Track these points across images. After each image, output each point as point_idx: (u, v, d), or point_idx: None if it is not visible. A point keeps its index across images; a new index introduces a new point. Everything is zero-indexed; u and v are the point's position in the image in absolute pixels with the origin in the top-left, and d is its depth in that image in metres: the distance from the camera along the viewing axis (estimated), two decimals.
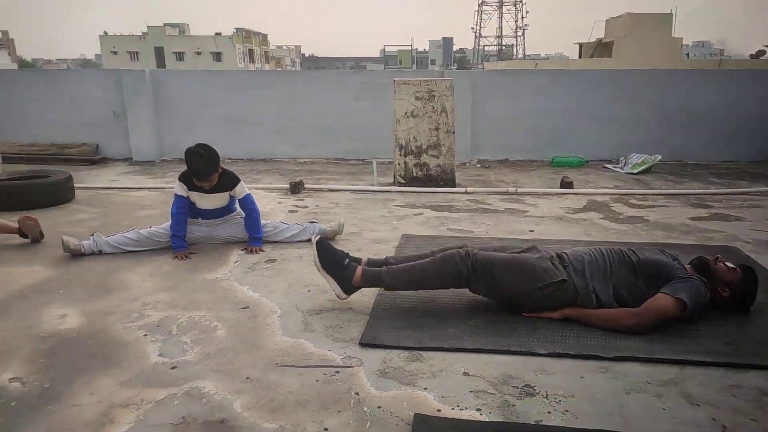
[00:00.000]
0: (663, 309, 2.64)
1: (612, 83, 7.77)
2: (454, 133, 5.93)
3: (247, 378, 2.32)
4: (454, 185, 5.95)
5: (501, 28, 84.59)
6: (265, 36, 77.45)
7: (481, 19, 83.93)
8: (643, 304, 2.68)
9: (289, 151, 7.90)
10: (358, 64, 79.07)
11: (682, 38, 34.45)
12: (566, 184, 5.92)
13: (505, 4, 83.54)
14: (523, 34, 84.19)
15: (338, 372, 2.37)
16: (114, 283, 3.32)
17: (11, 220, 4.35)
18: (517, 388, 2.26)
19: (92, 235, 3.82)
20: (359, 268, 2.89)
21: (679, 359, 2.44)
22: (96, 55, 79.72)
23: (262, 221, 4.06)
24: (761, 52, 35.53)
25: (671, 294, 2.64)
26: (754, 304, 2.88)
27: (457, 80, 6.21)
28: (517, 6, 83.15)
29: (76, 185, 5.41)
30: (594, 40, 37.01)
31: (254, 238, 3.94)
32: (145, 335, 2.68)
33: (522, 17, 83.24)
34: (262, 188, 5.87)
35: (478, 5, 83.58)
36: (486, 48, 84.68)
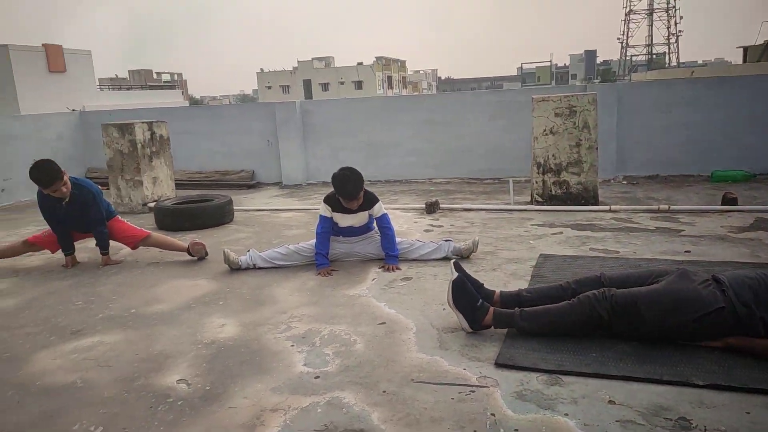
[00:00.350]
0: None
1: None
2: (597, 148, 5.64)
3: (384, 391, 2.38)
4: (596, 203, 5.64)
5: (651, 36, 78.99)
6: (403, 62, 79.95)
7: (628, 28, 79.12)
8: None
9: (424, 173, 8.04)
10: (494, 83, 78.44)
11: None
12: (729, 200, 5.32)
13: (656, 11, 78.01)
14: (676, 41, 77.73)
15: (473, 391, 2.34)
16: (265, 296, 3.60)
17: (181, 238, 4.93)
18: (671, 420, 2.07)
19: (248, 251, 4.20)
20: (491, 310, 2.83)
21: None
22: (253, 90, 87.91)
23: (398, 239, 4.18)
24: None
25: None
26: None
27: (601, 94, 5.93)
28: (670, 12, 77.22)
29: (235, 208, 5.98)
30: (762, 42, 33.12)
31: (390, 255, 4.06)
32: (292, 345, 2.87)
33: (675, 23, 77.08)
34: (398, 208, 6.03)
35: (625, 14, 78.93)
36: (634, 58, 79.50)
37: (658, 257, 3.94)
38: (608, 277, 2.86)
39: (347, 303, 3.42)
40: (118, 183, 6.70)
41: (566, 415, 2.14)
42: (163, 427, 2.21)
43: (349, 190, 3.92)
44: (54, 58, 19.61)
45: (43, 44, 19.53)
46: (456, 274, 2.92)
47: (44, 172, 4.11)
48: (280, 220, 5.89)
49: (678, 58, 76.63)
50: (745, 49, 35.24)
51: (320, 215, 4.12)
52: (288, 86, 67.17)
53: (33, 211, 7.12)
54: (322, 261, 4.02)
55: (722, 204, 5.33)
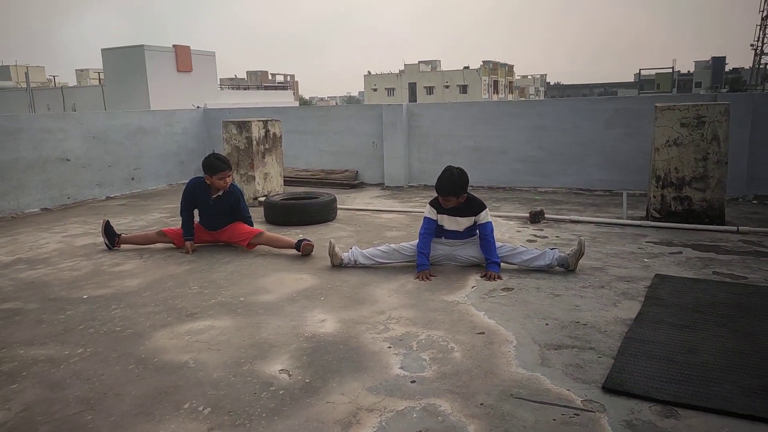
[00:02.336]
0: None
1: None
2: (726, 164, 5.16)
3: (482, 404, 2.32)
4: (722, 223, 5.16)
5: None
6: (511, 67, 78.31)
7: (764, 34, 72.04)
8: None
9: (530, 180, 7.79)
10: (608, 90, 74.63)
11: None
12: None
13: None
14: None
15: (578, 414, 2.22)
16: (364, 295, 3.65)
17: (286, 233, 5.13)
18: None
19: (351, 248, 4.29)
20: None
21: None
22: (359, 92, 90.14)
23: (500, 243, 4.13)
24: None
25: None
26: None
27: (733, 104, 5.42)
28: None
29: (338, 206, 6.13)
30: None
31: (492, 262, 3.97)
32: (389, 347, 2.87)
33: None
34: (501, 216, 5.88)
35: (762, 18, 71.98)
36: None
37: None
38: None
39: (445, 309, 3.38)
40: (234, 177, 7.09)
41: None
42: (265, 413, 2.30)
43: (447, 187, 3.95)
44: (182, 58, 21.24)
45: (173, 45, 21.22)
46: None
47: (222, 159, 4.77)
48: (381, 220, 5.96)
49: None
50: None
51: (425, 216, 4.13)
52: (393, 89, 68.11)
53: (159, 199, 7.76)
54: (422, 261, 4.02)
55: None
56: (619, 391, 2.36)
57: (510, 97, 69.18)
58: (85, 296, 3.78)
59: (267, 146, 7.16)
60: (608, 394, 2.36)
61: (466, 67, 67.23)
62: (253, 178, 6.97)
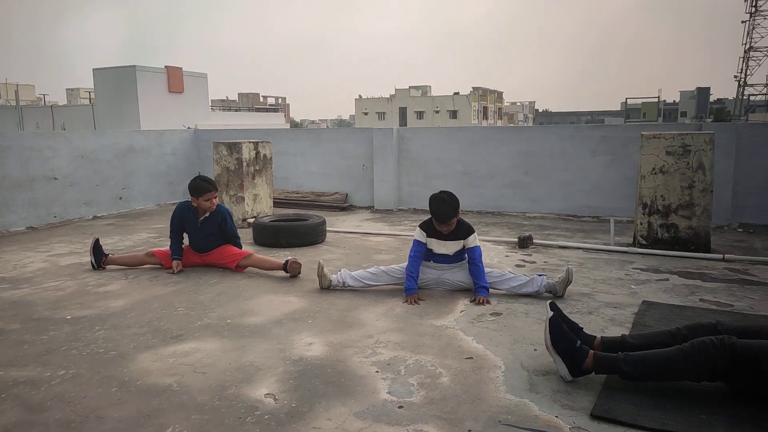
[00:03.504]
0: None
1: None
2: (711, 192, 5.24)
3: (470, 430, 2.30)
4: (708, 251, 5.22)
5: None
6: (500, 93, 79.39)
7: (747, 66, 73.85)
8: None
9: (518, 206, 7.85)
10: (595, 118, 75.77)
11: None
12: None
13: None
14: None
15: None
16: (352, 319, 3.63)
17: (275, 255, 5.11)
18: None
19: (339, 270, 4.27)
20: (592, 353, 2.67)
21: None
22: (350, 115, 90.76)
23: (489, 269, 4.13)
24: None
25: None
26: None
27: (718, 133, 5.53)
28: None
29: (327, 228, 6.12)
30: None
31: (480, 287, 3.97)
32: (377, 372, 2.85)
33: None
34: (490, 241, 5.90)
35: (745, 51, 73.87)
36: (751, 97, 73.91)
37: None
38: (726, 326, 2.61)
39: (434, 333, 3.36)
40: (223, 198, 7.08)
41: None
42: None
43: (443, 212, 3.97)
44: (174, 79, 21.31)
45: (165, 66, 21.30)
46: (551, 313, 2.78)
47: (208, 180, 4.80)
48: (370, 243, 5.95)
49: None
50: None
51: (414, 239, 4.14)
52: (384, 113, 68.67)
53: (147, 219, 7.70)
54: (411, 285, 4.01)
55: None
56: (607, 418, 2.35)
57: (499, 123, 70.01)
58: (68, 317, 3.72)
59: (257, 167, 7.16)
60: (596, 421, 2.35)
61: (456, 93, 68.05)
62: (243, 199, 6.96)
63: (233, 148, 6.97)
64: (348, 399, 2.56)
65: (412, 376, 2.80)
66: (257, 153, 7.16)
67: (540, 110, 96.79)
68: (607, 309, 3.76)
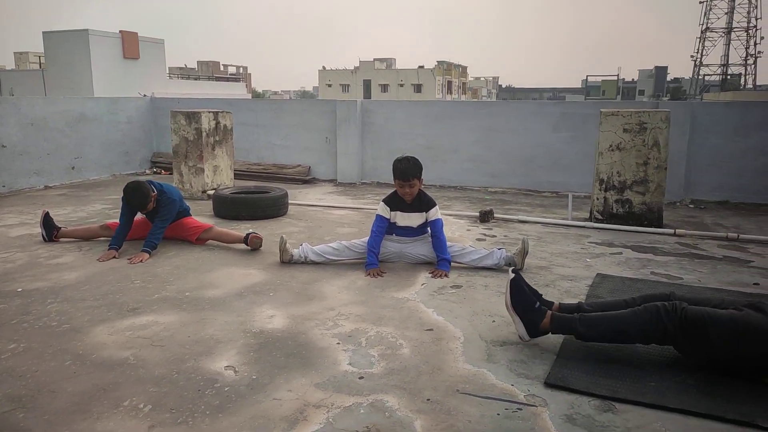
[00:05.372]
0: None
1: None
2: (665, 169, 5.40)
3: (428, 399, 2.34)
4: (660, 226, 5.40)
5: (728, 56, 75.38)
6: (465, 68, 79.40)
7: (704, 47, 75.80)
8: None
9: (480, 180, 7.92)
10: (557, 95, 76.76)
11: None
12: None
13: (735, 30, 74.42)
14: (754, 63, 73.92)
15: (520, 409, 2.27)
16: (314, 291, 3.62)
17: (235, 228, 5.03)
18: None
19: (301, 245, 4.25)
20: (549, 313, 2.76)
21: None
22: (314, 87, 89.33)
23: (450, 243, 4.17)
24: None
25: None
26: None
27: (673, 112, 5.67)
28: (750, 32, 73.55)
29: (289, 201, 6.06)
30: None
31: (442, 259, 4.02)
32: (338, 343, 2.86)
33: (755, 44, 73.34)
34: (451, 215, 5.96)
35: (701, 32, 75.69)
36: (706, 77, 76.13)
37: (725, 287, 3.73)
38: (678, 295, 2.72)
39: (395, 306, 3.39)
40: (181, 169, 6.91)
41: None
42: (209, 411, 2.24)
43: (406, 168, 4.01)
44: (129, 44, 20.46)
45: (120, 31, 20.43)
46: (513, 275, 2.85)
47: (137, 201, 4.36)
48: (333, 216, 5.93)
49: (755, 80, 72.91)
50: None
51: (377, 214, 4.14)
52: (348, 85, 67.87)
53: (101, 189, 7.47)
54: (372, 260, 4.02)
55: None
56: (560, 386, 2.43)
57: (463, 98, 70.16)
58: (19, 289, 3.60)
59: (217, 138, 7.00)
60: (550, 389, 2.43)
61: (421, 67, 67.70)
62: (202, 170, 6.80)
63: (192, 117, 6.78)
64: (309, 370, 2.57)
65: (372, 347, 2.82)
66: (217, 123, 6.99)
67: (503, 86, 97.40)
68: (563, 281, 3.86)
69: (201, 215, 5.55)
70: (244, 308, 3.32)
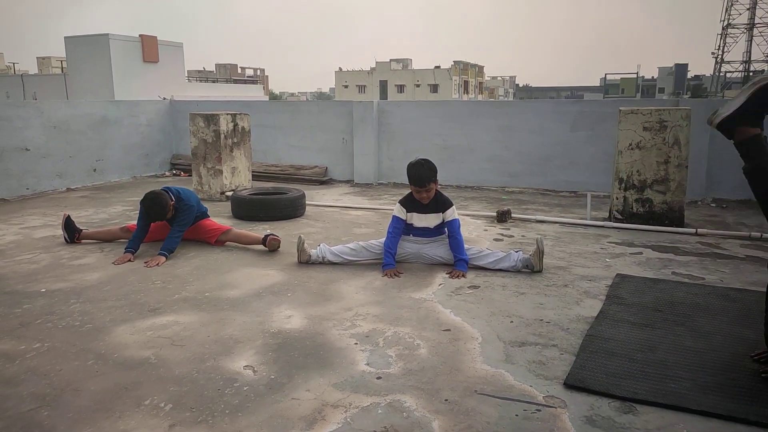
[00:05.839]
0: None
1: None
2: (686, 167, 5.32)
3: (446, 400, 2.34)
4: (681, 225, 5.32)
5: (749, 52, 73.90)
6: (481, 68, 79.03)
7: (725, 43, 74.51)
8: None
9: (498, 180, 7.88)
10: (575, 93, 76.08)
11: None
12: None
13: (758, 25, 73.02)
14: None
15: (539, 410, 2.26)
16: (331, 292, 3.64)
17: (253, 229, 5.08)
18: None
19: (319, 245, 4.27)
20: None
21: None
22: (330, 88, 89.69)
23: (467, 246, 4.15)
24: None
25: None
26: None
27: (694, 109, 5.59)
28: None
29: (307, 202, 6.09)
30: None
31: (460, 260, 4.01)
32: (356, 343, 2.87)
33: None
34: (468, 215, 5.94)
35: (723, 28, 74.40)
36: (728, 74, 74.81)
37: (748, 287, 3.66)
38: None
39: (412, 306, 3.39)
40: (200, 171, 6.98)
41: None
42: (228, 410, 2.27)
43: (421, 174, 4.01)
44: (149, 48, 20.72)
45: (140, 35, 20.70)
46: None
47: (155, 212, 4.38)
48: (349, 217, 5.94)
49: None
50: None
51: (393, 215, 4.15)
52: (364, 86, 68.00)
53: (122, 191, 7.58)
54: (389, 260, 4.03)
55: None
56: (579, 387, 2.41)
57: (480, 98, 69.88)
58: (43, 290, 3.67)
59: (235, 140, 7.06)
60: (569, 390, 2.41)
61: (437, 67, 67.55)
62: (221, 172, 6.87)
63: (210, 119, 6.85)
64: (327, 371, 2.58)
65: (390, 347, 2.83)
66: (235, 125, 7.06)
67: (520, 85, 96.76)
68: (582, 282, 3.82)
69: (219, 216, 5.61)
70: (263, 308, 3.35)
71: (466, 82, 70.49)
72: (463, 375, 2.55)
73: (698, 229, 5.15)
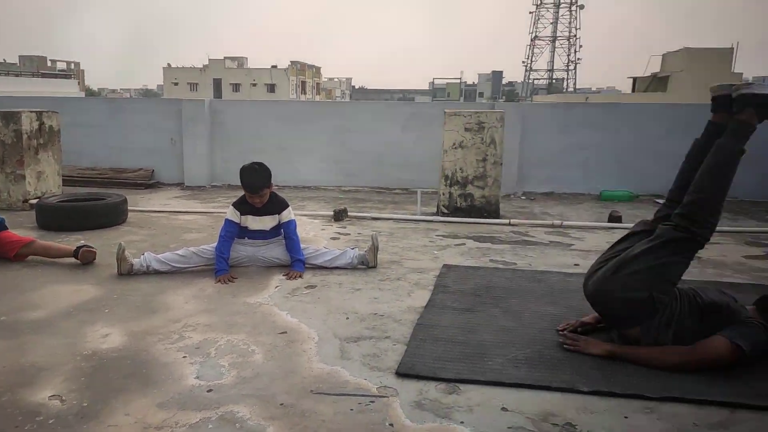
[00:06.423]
0: (715, 352, 2.49)
1: (666, 117, 7.56)
2: (501, 164, 5.86)
3: (282, 404, 2.30)
4: (498, 217, 5.86)
5: (553, 62, 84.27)
6: (318, 68, 79.67)
7: (533, 53, 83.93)
8: (696, 344, 2.53)
9: (335, 180, 7.99)
10: (407, 96, 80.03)
11: (742, 73, 33.29)
12: (615, 218, 5.73)
13: (559, 38, 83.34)
14: (575, 68, 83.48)
15: (373, 401, 2.32)
16: (157, 304, 3.38)
17: (64, 241, 4.55)
18: (558, 426, 2.16)
19: (143, 253, 3.94)
20: None
21: (730, 402, 2.29)
22: (158, 85, 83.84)
23: (303, 245, 4.14)
24: None
25: (729, 338, 2.49)
26: None
27: (507, 112, 6.18)
28: (571, 41, 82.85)
29: (129, 208, 5.61)
30: (649, 74, 36.30)
31: (296, 260, 3.98)
32: (184, 357, 2.70)
33: (575, 51, 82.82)
34: (306, 215, 5.93)
35: (531, 40, 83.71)
36: (536, 81, 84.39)
37: (551, 269, 4.14)
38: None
39: (247, 311, 3.29)
40: None
41: (462, 423, 2.17)
42: None
43: (254, 181, 3.91)
44: None
45: None
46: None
47: None
48: (179, 222, 5.60)
49: (575, 84, 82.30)
50: (634, 79, 38.52)
51: (226, 219, 4.00)
52: (196, 84, 64.81)
53: None
54: (222, 266, 3.86)
55: (609, 221, 5.72)
56: (410, 374, 2.52)
57: (317, 98, 70.33)
58: None
59: (41, 141, 6.26)
60: (401, 378, 2.51)
61: (274, 66, 66.72)
62: (23, 177, 6.04)
63: (10, 118, 6.00)
64: (150, 390, 2.39)
65: (222, 357, 2.71)
66: (41, 124, 6.25)
67: (356, 87, 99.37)
68: (413, 274, 4.02)
69: (21, 228, 4.94)
70: (74, 329, 3.00)
71: (303, 83, 70.60)
72: (300, 377, 2.53)
73: (511, 220, 5.72)
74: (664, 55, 35.23)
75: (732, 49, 32.44)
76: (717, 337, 2.51)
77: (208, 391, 2.39)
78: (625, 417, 2.22)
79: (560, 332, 2.89)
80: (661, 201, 7.22)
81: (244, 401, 2.32)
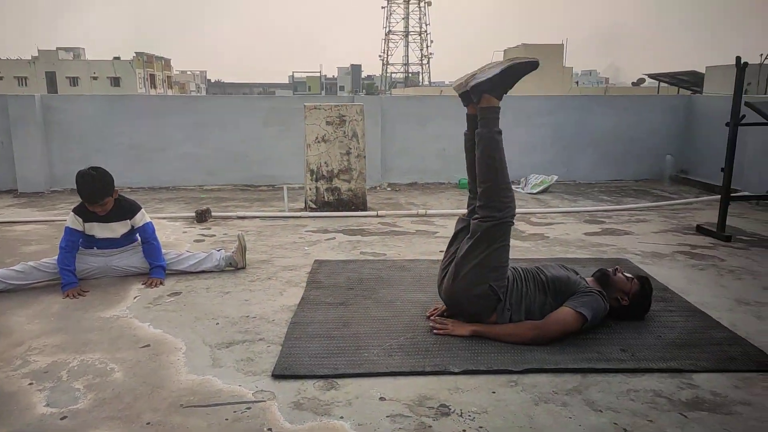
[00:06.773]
0: (563, 321, 2.76)
1: (510, 109, 8.18)
2: (365, 157, 5.96)
3: (148, 423, 2.14)
4: (365, 209, 5.96)
5: (407, 56, 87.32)
6: (168, 61, 74.95)
7: (388, 47, 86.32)
8: (546, 317, 2.79)
9: (195, 179, 7.60)
10: (266, 89, 78.32)
11: (572, 67, 37.25)
12: None
13: (411, 33, 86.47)
14: (428, 63, 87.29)
15: (249, 408, 2.25)
16: None
17: None
18: (433, 408, 2.26)
19: None
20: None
21: (581, 368, 2.55)
22: None
23: (165, 250, 3.88)
24: (641, 80, 39.15)
25: (573, 308, 2.77)
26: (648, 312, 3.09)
27: (367, 105, 6.28)
28: (422, 36, 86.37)
29: None
30: None
31: (156, 266, 3.72)
32: (31, 384, 2.42)
33: (427, 46, 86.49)
34: (165, 218, 5.58)
35: (385, 34, 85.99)
36: (393, 75, 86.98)
37: (419, 257, 4.31)
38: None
39: (103, 326, 3.02)
40: None
41: (341, 418, 2.19)
42: None
43: (90, 191, 3.52)
44: None
45: None
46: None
47: None
48: (15, 234, 4.98)
49: (429, 77, 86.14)
50: None
51: (66, 227, 3.59)
52: (26, 78, 57.86)
53: None
54: (69, 279, 3.49)
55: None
56: (287, 375, 2.48)
57: (170, 92, 66.21)
58: None
59: None
60: (278, 380, 2.46)
61: (117, 58, 61.62)
62: None
63: None
64: None
65: (77, 379, 2.46)
66: None
67: (212, 80, 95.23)
68: (285, 272, 3.96)
69: None
70: None
71: (152, 76, 66.08)
72: (167, 391, 2.38)
73: (378, 212, 5.85)
74: (505, 51, 38.24)
75: (562, 45, 36.15)
76: (562, 308, 2.79)
77: (61, 419, 2.16)
78: (493, 392, 2.38)
79: (429, 318, 3.02)
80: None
81: (105, 425, 2.13)
